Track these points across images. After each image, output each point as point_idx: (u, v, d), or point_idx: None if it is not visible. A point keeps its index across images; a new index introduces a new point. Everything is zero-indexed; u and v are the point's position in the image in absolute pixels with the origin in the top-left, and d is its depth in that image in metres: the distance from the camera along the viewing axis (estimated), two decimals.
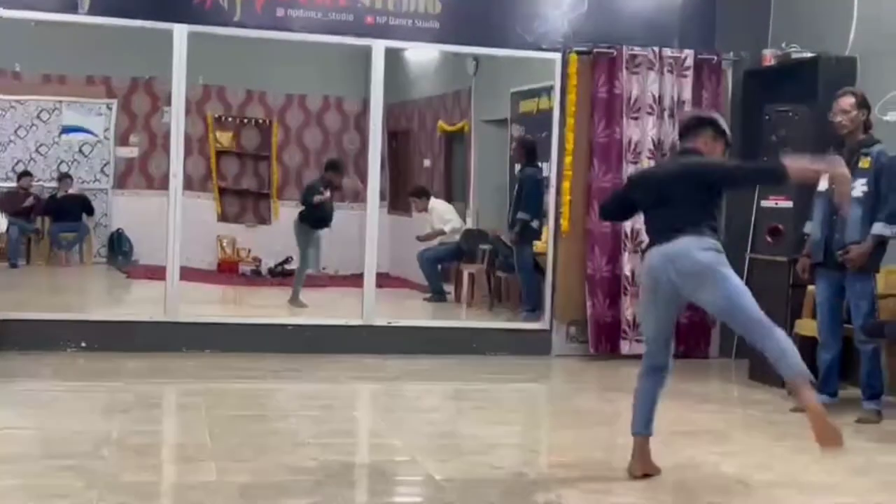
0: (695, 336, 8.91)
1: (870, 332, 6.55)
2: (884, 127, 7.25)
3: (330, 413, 6.47)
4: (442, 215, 12.38)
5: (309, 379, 7.52)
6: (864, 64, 7.84)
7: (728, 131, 5.07)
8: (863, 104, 6.66)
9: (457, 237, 12.24)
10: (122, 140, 14.72)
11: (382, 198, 9.80)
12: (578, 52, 8.73)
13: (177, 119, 8.37)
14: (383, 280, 10.53)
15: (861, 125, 6.66)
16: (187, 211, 8.59)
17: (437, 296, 11.89)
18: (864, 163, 6.59)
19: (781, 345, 4.61)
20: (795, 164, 4.80)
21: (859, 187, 6.55)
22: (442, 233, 12.25)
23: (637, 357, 8.55)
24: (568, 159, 8.76)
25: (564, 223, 8.79)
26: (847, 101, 6.65)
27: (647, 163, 8.71)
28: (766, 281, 7.89)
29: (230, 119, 15.06)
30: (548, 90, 9.51)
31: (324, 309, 11.09)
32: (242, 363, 7.78)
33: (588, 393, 7.52)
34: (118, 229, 14.36)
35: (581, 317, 8.81)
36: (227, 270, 13.96)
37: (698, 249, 4.71)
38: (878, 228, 6.50)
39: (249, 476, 4.74)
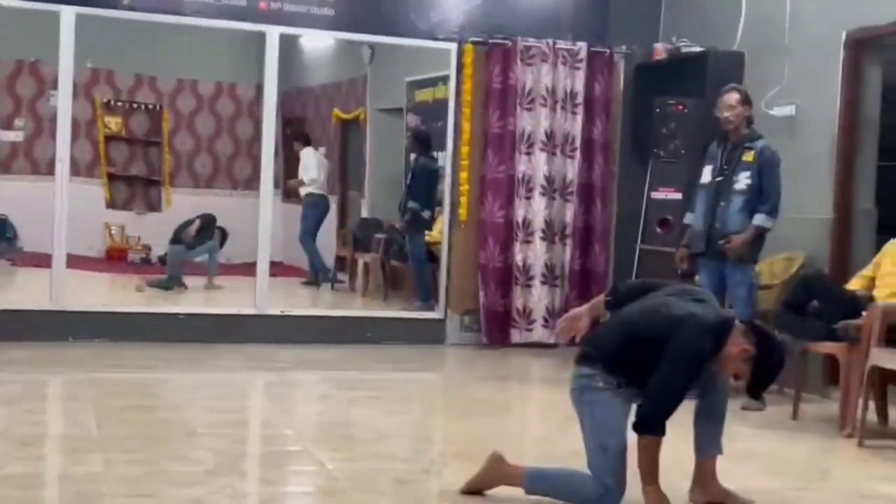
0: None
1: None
2: (770, 121, 7.43)
3: (222, 403, 6.40)
4: (306, 165, 12.28)
5: (201, 369, 7.43)
6: (751, 59, 8.02)
7: None
8: (746, 100, 6.85)
9: (314, 190, 12.20)
10: (7, 124, 14.30)
11: (276, 185, 9.71)
12: (474, 43, 8.77)
13: (64, 103, 8.19)
14: (277, 269, 10.46)
15: (745, 120, 6.84)
16: (74, 197, 8.42)
17: (322, 274, 11.84)
18: (748, 156, 6.77)
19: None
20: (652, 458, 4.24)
21: (743, 180, 6.75)
22: (301, 183, 12.16)
23: (527, 346, 8.71)
24: (464, 149, 8.80)
25: (462, 213, 8.83)
26: (732, 97, 6.82)
27: (539, 155, 8.80)
28: (656, 271, 8.03)
29: (119, 104, 14.76)
30: (444, 80, 9.54)
31: (217, 298, 10.98)
32: (132, 353, 7.65)
33: (481, 382, 7.57)
34: (2, 216, 13.95)
35: (474, 306, 8.87)
36: (116, 258, 13.71)
37: None
38: (760, 220, 6.70)
39: (138, 467, 4.66)
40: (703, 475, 4.48)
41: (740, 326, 4.23)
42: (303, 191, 12.26)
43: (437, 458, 5.26)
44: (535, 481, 4.36)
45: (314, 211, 12.24)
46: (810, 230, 7.29)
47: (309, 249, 12.10)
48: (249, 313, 8.59)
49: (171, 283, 10.98)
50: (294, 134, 13.08)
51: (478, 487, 4.42)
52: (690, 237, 7.07)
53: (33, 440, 5.20)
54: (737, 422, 6.37)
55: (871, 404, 6.06)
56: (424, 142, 10.35)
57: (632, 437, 4.18)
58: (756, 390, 4.41)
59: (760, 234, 6.75)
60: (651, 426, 4.13)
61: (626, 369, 4.25)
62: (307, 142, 12.67)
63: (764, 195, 6.71)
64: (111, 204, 14.52)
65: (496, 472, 4.42)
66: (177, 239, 11.52)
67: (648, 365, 4.14)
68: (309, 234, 12.11)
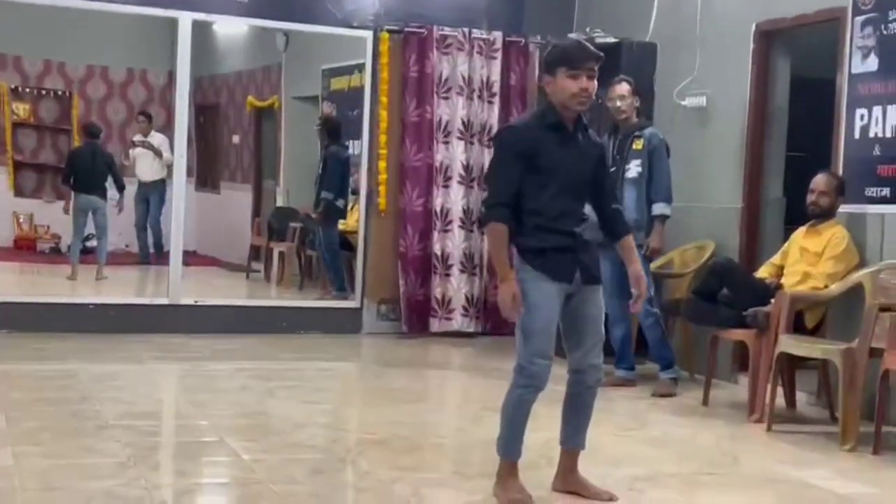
0: (499, 313, 9.03)
1: (666, 310, 6.84)
2: (681, 112, 7.54)
3: (134, 394, 6.31)
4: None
5: (112, 359, 7.32)
6: (664, 50, 8.12)
7: None
8: (636, 91, 6.99)
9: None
10: None
11: (189, 174, 9.60)
12: (390, 31, 8.75)
13: None
14: (191, 258, 10.34)
15: (635, 110, 6.96)
16: None
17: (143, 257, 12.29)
18: (638, 144, 6.90)
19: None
20: (494, 243, 4.21)
21: (633, 168, 6.88)
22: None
23: (446, 335, 8.74)
24: (382, 138, 8.78)
25: (382, 202, 8.81)
26: (623, 88, 6.96)
27: (457, 143, 8.82)
28: None
29: (27, 90, 14.43)
30: (360, 68, 9.50)
31: (128, 287, 10.84)
32: (41, 343, 7.51)
33: (397, 370, 7.57)
34: None
35: (392, 295, 8.86)
36: (25, 248, 13.42)
37: None
38: (660, 209, 6.83)
39: (49, 460, 4.59)
40: (565, 466, 4.51)
41: (543, 80, 4.33)
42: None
43: (354, 447, 5.26)
44: (508, 447, 4.35)
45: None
46: (721, 219, 7.42)
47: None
48: (162, 303, 8.48)
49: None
50: (142, 112, 13.27)
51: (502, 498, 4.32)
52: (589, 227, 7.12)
53: None
54: (649, 408, 6.48)
55: (780, 390, 6.19)
56: (335, 130, 10.30)
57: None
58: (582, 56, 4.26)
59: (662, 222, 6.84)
60: (486, 218, 4.23)
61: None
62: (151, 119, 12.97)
63: (655, 183, 6.84)
64: (18, 192, 14.20)
65: (508, 487, 4.32)
66: None
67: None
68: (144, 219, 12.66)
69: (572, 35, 8.72)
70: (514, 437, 4.35)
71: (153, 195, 12.37)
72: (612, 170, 6.88)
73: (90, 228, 11.14)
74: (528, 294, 4.17)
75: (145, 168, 12.74)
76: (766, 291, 6.31)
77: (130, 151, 13.14)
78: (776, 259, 6.60)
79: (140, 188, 12.79)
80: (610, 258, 6.99)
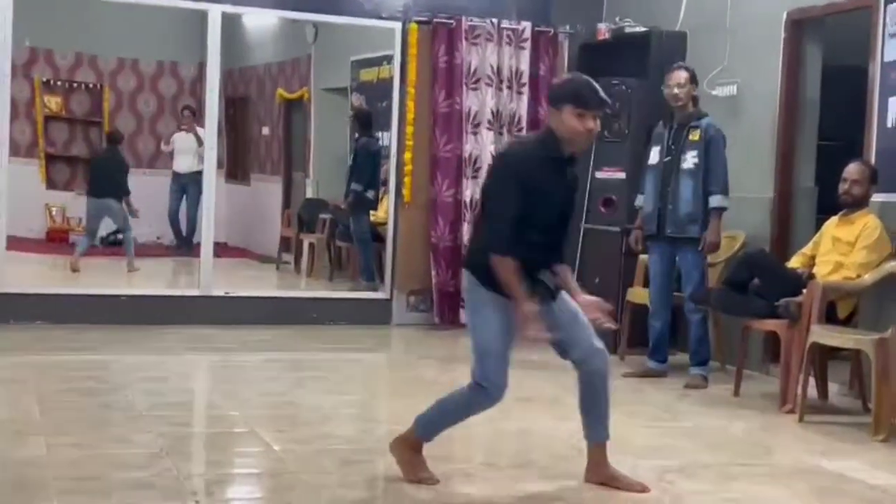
0: None
1: (698, 301, 6.79)
2: (711, 101, 7.49)
3: (166, 385, 6.35)
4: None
5: (144, 350, 7.36)
6: (694, 39, 8.08)
7: None
8: (693, 79, 6.89)
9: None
10: None
11: (220, 166, 9.63)
12: (418, 22, 8.75)
13: (2, 83, 8.04)
14: (221, 250, 10.39)
15: (692, 99, 6.88)
16: (14, 178, 8.28)
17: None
18: (694, 135, 6.81)
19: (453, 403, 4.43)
20: (506, 274, 4.13)
21: (690, 159, 6.78)
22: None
23: None
24: (409, 129, 8.78)
25: (406, 193, 8.81)
26: (681, 75, 6.86)
27: (486, 134, 8.81)
28: (600, 251, 8.10)
29: (59, 83, 14.53)
30: (388, 59, 9.50)
31: (160, 279, 10.90)
32: (74, 335, 7.57)
33: (427, 362, 7.58)
34: None
35: (422, 286, 8.87)
36: (57, 240, 13.51)
37: None
38: (717, 201, 6.73)
39: (81, 450, 4.62)
40: (595, 459, 4.50)
41: (549, 112, 4.26)
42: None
43: (384, 438, 5.25)
44: (425, 426, 4.42)
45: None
46: (752, 209, 7.37)
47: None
48: (194, 294, 8.53)
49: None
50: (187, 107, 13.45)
51: (412, 469, 4.43)
52: (642, 219, 7.11)
53: None
54: (680, 399, 6.46)
55: (811, 380, 6.15)
56: (366, 122, 10.31)
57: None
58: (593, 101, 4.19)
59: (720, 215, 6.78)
60: (493, 249, 4.12)
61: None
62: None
63: (711, 174, 6.75)
64: (51, 185, 14.31)
65: (400, 449, 4.45)
66: None
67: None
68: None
69: (601, 25, 8.73)
70: (442, 427, 4.44)
71: (191, 186, 12.39)
72: (668, 160, 6.86)
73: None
74: (484, 316, 4.23)
75: (184, 159, 12.80)
76: (798, 281, 6.27)
77: (172, 139, 13.23)
78: (808, 249, 6.55)
79: (177, 179, 12.85)
80: (658, 251, 7.00)
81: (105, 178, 11.02)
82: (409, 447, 4.45)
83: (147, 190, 13.24)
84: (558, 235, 4.37)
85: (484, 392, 4.28)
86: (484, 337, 4.25)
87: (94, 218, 11.05)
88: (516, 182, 4.12)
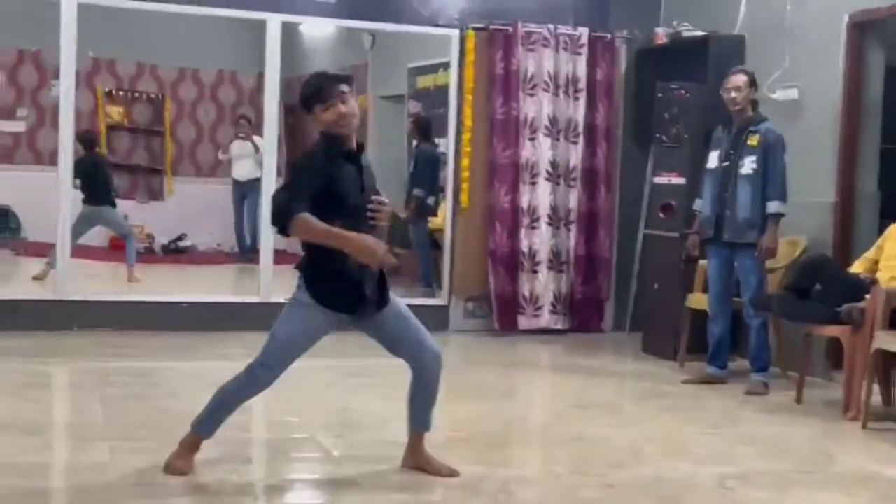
0: (588, 310, 9.03)
1: (758, 306, 6.72)
2: (771, 105, 7.42)
3: None
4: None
5: (204, 357, 7.44)
6: (753, 43, 8.01)
7: None
8: (753, 83, 6.82)
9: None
10: (9, 114, 14.30)
11: (279, 174, 9.70)
12: (475, 29, 8.76)
13: (66, 93, 8.18)
14: (280, 257, 10.45)
15: (751, 103, 6.82)
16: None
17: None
18: (753, 140, 6.75)
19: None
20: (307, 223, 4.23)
21: (748, 164, 6.72)
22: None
23: (535, 332, 8.71)
24: (466, 136, 8.79)
25: (464, 199, 8.82)
26: (740, 79, 6.80)
27: (543, 140, 8.79)
28: (658, 256, 8.05)
29: (121, 93, 14.74)
30: (445, 66, 9.52)
31: (220, 286, 11.01)
32: (135, 342, 7.66)
33: (484, 367, 7.57)
34: (5, 206, 13.97)
35: (479, 292, 8.86)
36: (119, 248, 13.66)
37: None
38: (775, 207, 6.66)
39: (144, 455, 4.68)
40: (413, 446, 4.65)
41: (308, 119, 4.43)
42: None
43: (441, 444, 5.26)
44: (203, 424, 4.52)
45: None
46: (813, 214, 7.28)
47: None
48: (253, 301, 8.60)
49: None
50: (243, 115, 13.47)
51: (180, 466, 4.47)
52: (700, 223, 7.06)
53: (38, 429, 5.22)
54: (740, 406, 6.40)
55: (875, 387, 6.06)
56: (425, 128, 10.34)
57: None
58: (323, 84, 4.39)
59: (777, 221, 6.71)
60: (279, 219, 4.27)
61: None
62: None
63: (770, 179, 6.68)
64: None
65: (181, 455, 4.49)
66: None
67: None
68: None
69: (659, 30, 8.69)
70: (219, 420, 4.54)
71: (251, 193, 12.50)
72: (726, 165, 6.80)
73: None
74: (296, 314, 4.42)
75: (242, 167, 12.94)
76: (861, 287, 6.19)
77: (229, 147, 13.37)
78: (871, 254, 6.46)
79: (237, 186, 12.96)
80: (716, 255, 6.95)
81: (93, 184, 10.91)
82: (191, 447, 4.50)
83: (207, 198, 13.54)
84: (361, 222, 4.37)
85: (258, 373, 4.47)
86: (290, 328, 4.44)
87: (84, 223, 10.85)
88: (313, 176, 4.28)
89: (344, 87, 4.35)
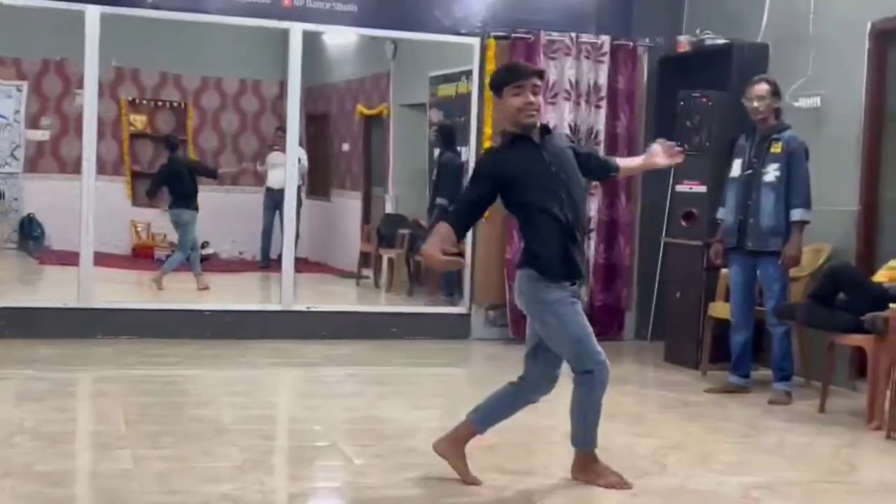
0: (609, 318, 9.02)
1: (781, 315, 6.70)
2: (794, 113, 7.40)
3: (249, 399, 6.43)
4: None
5: (228, 365, 7.47)
6: (776, 51, 7.98)
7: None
8: (776, 91, 6.80)
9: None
10: (33, 123, 14.41)
11: (301, 182, 9.75)
12: (496, 37, 8.76)
13: (89, 102, 8.23)
14: (302, 265, 10.50)
15: (773, 112, 6.80)
16: (100, 195, 8.46)
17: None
18: (776, 148, 6.73)
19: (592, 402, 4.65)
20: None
21: (772, 172, 6.70)
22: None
23: None
24: (487, 144, 8.79)
25: None
26: (762, 88, 6.78)
27: None
28: (681, 265, 8.03)
29: (144, 102, 14.84)
30: (466, 74, 9.53)
31: (241, 294, 11.04)
32: (159, 349, 7.69)
33: (507, 376, 7.52)
34: (29, 214, 14.06)
35: (500, 300, 8.86)
36: (143, 256, 13.77)
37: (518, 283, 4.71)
38: (799, 215, 6.64)
39: (168, 463, 4.70)
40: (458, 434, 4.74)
41: (493, 104, 4.94)
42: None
43: (466, 453, 5.26)
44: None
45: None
46: (837, 222, 7.25)
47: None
48: (275, 309, 8.62)
49: None
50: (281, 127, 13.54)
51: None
52: (723, 232, 7.04)
53: (63, 437, 5.25)
54: (764, 415, 6.37)
55: None
56: (449, 136, 10.35)
57: None
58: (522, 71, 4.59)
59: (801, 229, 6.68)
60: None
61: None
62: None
63: (794, 187, 6.65)
64: (136, 201, 14.59)
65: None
66: None
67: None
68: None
69: (681, 38, 8.67)
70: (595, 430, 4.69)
71: (284, 202, 12.48)
72: (749, 173, 6.79)
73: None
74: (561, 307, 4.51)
75: (277, 175, 12.89)
76: (885, 295, 6.15)
77: (266, 158, 13.38)
78: (895, 262, 6.42)
79: (269, 195, 12.93)
80: (739, 263, 6.92)
81: (177, 187, 11.07)
82: (592, 461, 4.65)
83: (230, 206, 13.58)
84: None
85: (594, 374, 4.54)
86: (576, 324, 4.49)
87: (177, 230, 11.06)
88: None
89: (537, 80, 4.50)
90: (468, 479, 4.60)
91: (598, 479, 4.59)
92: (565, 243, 4.46)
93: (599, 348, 4.53)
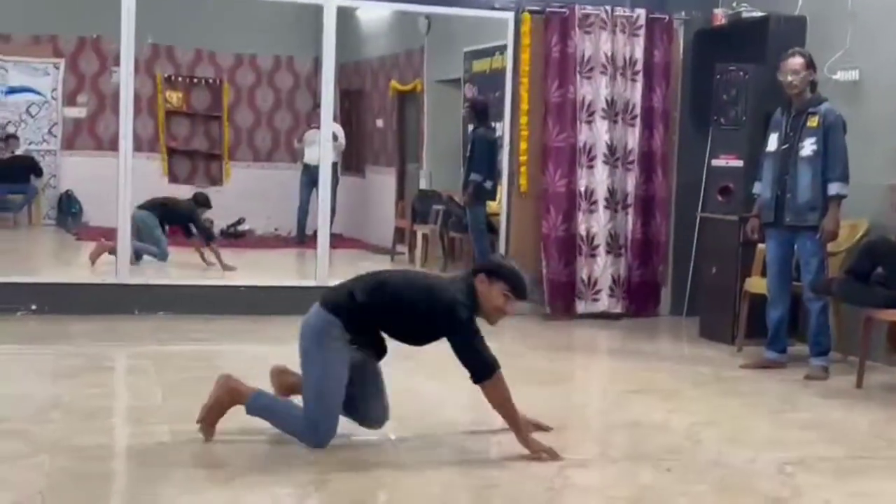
0: (644, 294, 8.98)
1: (818, 290, 6.64)
2: (832, 86, 7.32)
3: None
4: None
5: (262, 340, 7.50)
6: (814, 23, 7.89)
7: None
8: (810, 64, 6.72)
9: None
10: (70, 100, 14.52)
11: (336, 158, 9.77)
12: (531, 12, 8.72)
13: (125, 79, 8.27)
14: (337, 241, 10.51)
15: (809, 85, 6.72)
16: (137, 172, 8.51)
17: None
18: (813, 122, 6.65)
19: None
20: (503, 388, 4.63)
21: (808, 146, 6.63)
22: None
23: (592, 316, 8.69)
24: (523, 119, 8.76)
25: (523, 182, 8.80)
26: (796, 62, 6.70)
27: (601, 123, 8.74)
28: (717, 240, 7.98)
29: (180, 79, 14.91)
30: (501, 49, 9.49)
31: (277, 270, 11.08)
32: (195, 325, 7.75)
33: (541, 352, 7.56)
34: (67, 191, 14.20)
35: (535, 276, 8.84)
36: (178, 232, 13.82)
37: None
38: (836, 189, 6.57)
39: (203, 437, 4.73)
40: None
41: (479, 278, 4.68)
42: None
43: (499, 428, 5.27)
44: (258, 401, 4.70)
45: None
46: (875, 196, 7.17)
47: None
48: (311, 285, 8.65)
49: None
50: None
51: (214, 412, 4.68)
52: (759, 206, 6.98)
53: (99, 412, 5.29)
54: (800, 390, 6.34)
55: None
56: (482, 112, 10.31)
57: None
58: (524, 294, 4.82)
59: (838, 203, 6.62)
60: (487, 372, 4.60)
61: (365, 329, 4.70)
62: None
63: (830, 161, 6.58)
64: (172, 178, 14.69)
65: (225, 388, 4.71)
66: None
67: (391, 329, 4.75)
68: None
69: (718, 10, 8.57)
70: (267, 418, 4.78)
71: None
72: (785, 148, 6.72)
73: None
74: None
75: (315, 151, 12.89)
76: None
77: (304, 135, 13.39)
78: None
79: (307, 171, 12.90)
80: (776, 238, 6.87)
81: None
82: (232, 400, 4.68)
83: (265, 182, 13.65)
84: None
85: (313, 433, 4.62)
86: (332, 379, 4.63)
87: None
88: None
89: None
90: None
91: None
92: None
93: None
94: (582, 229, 8.75)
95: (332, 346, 4.63)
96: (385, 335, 4.79)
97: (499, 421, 4.75)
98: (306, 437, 4.60)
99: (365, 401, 4.80)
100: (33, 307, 7.87)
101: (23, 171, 13.97)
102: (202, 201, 11.17)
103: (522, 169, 8.80)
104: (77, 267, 10.91)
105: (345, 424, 5.17)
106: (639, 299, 8.91)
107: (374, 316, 4.67)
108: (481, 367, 4.56)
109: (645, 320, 8.77)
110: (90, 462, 4.36)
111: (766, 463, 4.66)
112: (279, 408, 4.76)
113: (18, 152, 14.06)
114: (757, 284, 7.35)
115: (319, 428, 4.59)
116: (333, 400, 4.60)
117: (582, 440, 5.18)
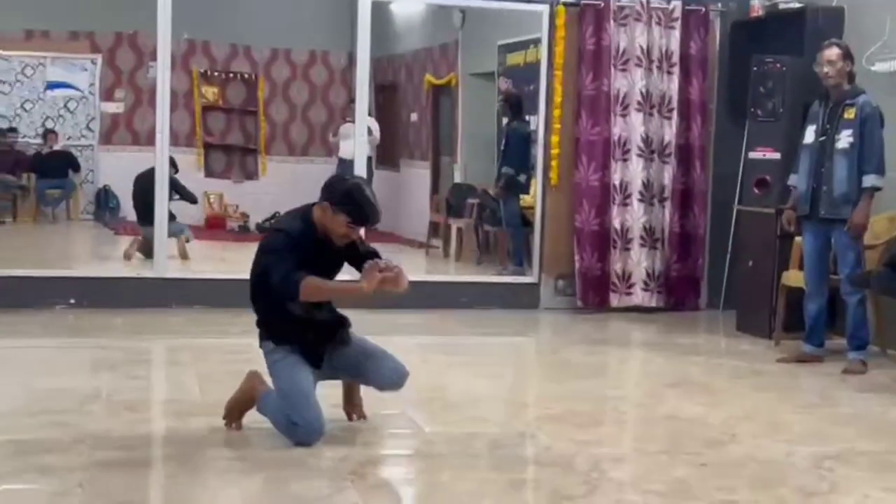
0: (683, 288, 8.93)
1: (856, 283, 6.59)
2: (871, 77, 7.24)
3: None
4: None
5: None
6: (851, 14, 7.81)
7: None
8: (847, 55, 6.65)
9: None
10: (108, 95, 14.64)
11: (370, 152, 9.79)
12: (566, 4, 8.68)
13: (162, 74, 8.32)
14: (371, 235, 10.52)
15: (846, 76, 6.66)
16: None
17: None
18: (850, 113, 6.58)
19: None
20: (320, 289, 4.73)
21: (845, 138, 6.56)
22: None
23: (626, 310, 8.66)
24: (556, 112, 8.74)
25: (553, 176, 8.78)
26: (833, 53, 6.63)
27: (636, 116, 8.71)
28: (754, 232, 7.92)
29: (216, 74, 14.99)
30: (535, 42, 9.47)
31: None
32: (231, 319, 7.76)
33: (575, 346, 7.55)
34: (105, 185, 14.31)
35: (569, 270, 8.82)
36: (215, 226, 13.94)
37: None
38: (871, 181, 6.50)
39: (240, 430, 4.76)
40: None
41: (322, 206, 4.75)
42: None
43: (533, 422, 5.28)
44: (262, 401, 4.72)
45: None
46: None
47: None
48: (344, 279, 8.66)
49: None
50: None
51: (239, 408, 4.77)
52: (795, 199, 6.93)
53: (137, 404, 5.34)
54: (837, 385, 6.29)
55: None
56: (516, 105, 10.30)
57: None
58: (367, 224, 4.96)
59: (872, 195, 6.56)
60: (289, 293, 4.61)
61: (280, 319, 4.78)
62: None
63: (866, 152, 6.51)
64: (209, 173, 14.78)
65: (246, 386, 4.80)
66: None
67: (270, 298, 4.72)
68: None
69: (755, 2, 8.51)
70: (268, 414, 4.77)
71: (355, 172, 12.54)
72: (822, 140, 6.66)
73: None
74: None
75: (350, 145, 12.95)
76: None
77: (339, 130, 13.42)
78: None
79: (342, 165, 12.95)
80: (812, 231, 6.82)
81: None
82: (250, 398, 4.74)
83: (300, 177, 13.64)
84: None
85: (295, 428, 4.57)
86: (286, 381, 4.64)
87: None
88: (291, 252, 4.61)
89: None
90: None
91: None
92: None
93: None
94: (616, 223, 8.72)
95: (274, 358, 4.74)
96: (289, 308, 4.76)
97: (532, 416, 4.74)
98: (288, 435, 4.58)
99: (366, 371, 4.86)
100: (72, 301, 7.95)
101: (61, 166, 14.09)
102: (173, 163, 11.18)
103: (553, 163, 8.78)
104: (114, 261, 11.01)
105: (386, 419, 5.20)
106: (679, 293, 8.87)
107: (265, 301, 4.79)
108: (283, 290, 4.59)
109: (680, 314, 8.73)
110: (129, 452, 4.41)
111: (802, 457, 4.63)
112: (271, 408, 4.72)
113: (57, 147, 14.19)
114: (794, 278, 7.29)
115: (298, 430, 4.55)
116: (299, 399, 4.58)
117: (618, 434, 5.17)
